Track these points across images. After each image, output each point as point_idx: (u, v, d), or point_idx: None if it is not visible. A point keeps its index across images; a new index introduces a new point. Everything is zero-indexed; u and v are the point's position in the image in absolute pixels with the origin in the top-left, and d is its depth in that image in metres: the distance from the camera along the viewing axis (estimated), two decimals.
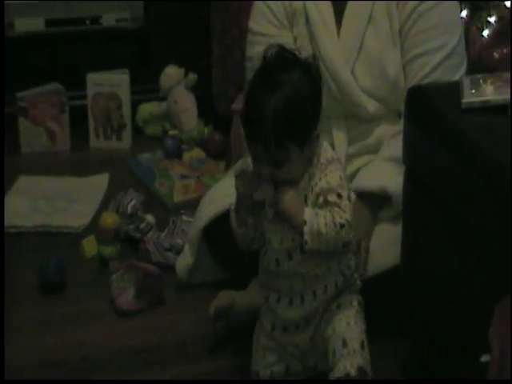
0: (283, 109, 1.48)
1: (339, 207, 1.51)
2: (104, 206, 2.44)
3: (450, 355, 1.55)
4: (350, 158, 2.00)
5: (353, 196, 1.57)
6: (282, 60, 1.52)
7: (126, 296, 2.03)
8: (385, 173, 1.91)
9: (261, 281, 1.68)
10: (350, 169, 1.99)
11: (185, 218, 2.30)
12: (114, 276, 2.07)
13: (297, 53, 1.56)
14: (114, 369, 1.84)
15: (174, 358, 1.87)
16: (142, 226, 2.28)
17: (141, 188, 2.52)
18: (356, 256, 1.83)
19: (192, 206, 2.28)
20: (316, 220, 1.51)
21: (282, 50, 1.54)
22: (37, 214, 2.42)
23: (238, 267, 1.94)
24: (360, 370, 1.56)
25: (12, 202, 2.47)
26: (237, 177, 1.59)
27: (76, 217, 2.40)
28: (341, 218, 1.50)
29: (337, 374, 1.56)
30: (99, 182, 2.59)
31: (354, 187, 1.91)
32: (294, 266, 1.58)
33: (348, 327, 1.60)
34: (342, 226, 1.50)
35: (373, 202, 1.91)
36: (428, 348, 1.68)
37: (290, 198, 1.53)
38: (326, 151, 1.56)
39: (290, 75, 1.50)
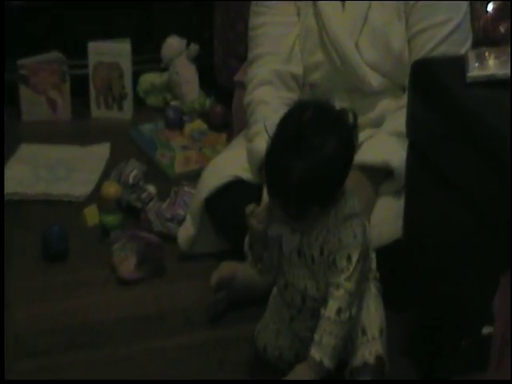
0: (309, 178, 1.42)
1: (343, 273, 1.50)
2: (105, 175, 2.43)
3: (451, 327, 1.56)
4: None
5: (370, 254, 1.56)
6: (318, 124, 1.44)
7: (128, 265, 2.04)
8: (388, 147, 1.92)
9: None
10: None
11: (186, 188, 2.30)
12: (116, 245, 2.08)
13: (336, 112, 1.47)
14: (116, 336, 1.86)
15: (176, 327, 1.88)
16: (144, 196, 2.28)
17: (142, 158, 2.51)
18: None
19: (193, 177, 2.28)
20: (330, 351, 1.51)
21: (320, 111, 1.46)
22: (39, 182, 2.41)
23: (240, 238, 1.95)
24: (378, 358, 1.56)
25: (14, 169, 2.47)
26: (249, 216, 1.55)
27: (77, 186, 2.40)
28: (344, 295, 1.50)
29: (355, 362, 1.56)
30: (100, 152, 2.59)
31: (356, 161, 1.91)
32: (319, 305, 1.57)
33: (367, 314, 1.59)
34: (349, 307, 1.50)
35: (375, 175, 1.92)
36: (430, 319, 1.69)
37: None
38: (345, 206, 1.51)
39: (324, 142, 1.42)
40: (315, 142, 1.42)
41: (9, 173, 2.43)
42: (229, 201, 2.00)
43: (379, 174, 1.91)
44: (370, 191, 1.92)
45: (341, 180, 1.49)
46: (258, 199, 1.92)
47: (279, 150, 1.44)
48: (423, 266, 1.66)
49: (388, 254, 1.82)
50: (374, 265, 1.66)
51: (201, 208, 2.05)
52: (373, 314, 1.60)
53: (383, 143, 1.94)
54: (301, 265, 1.57)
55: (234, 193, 1.99)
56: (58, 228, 2.10)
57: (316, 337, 1.52)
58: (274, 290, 1.70)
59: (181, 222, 2.16)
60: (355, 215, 1.52)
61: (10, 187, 2.35)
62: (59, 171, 2.47)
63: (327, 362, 1.51)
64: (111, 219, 2.17)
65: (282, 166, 1.43)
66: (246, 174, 2.01)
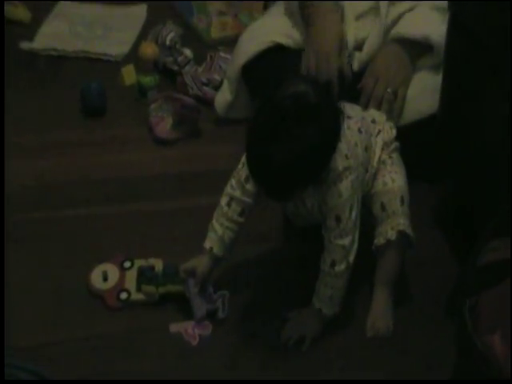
0: (290, 168, 1.35)
1: (334, 231, 1.48)
2: (142, 36, 2.44)
3: (482, 200, 1.59)
4: None
5: (357, 212, 1.48)
6: (298, 110, 1.34)
7: (164, 125, 2.08)
8: (429, 21, 1.90)
9: None
10: (393, 13, 1.95)
11: (222, 54, 2.32)
12: (153, 105, 2.11)
13: (316, 100, 1.36)
14: (150, 192, 1.92)
15: (210, 187, 1.89)
16: (180, 59, 2.29)
17: (179, 22, 2.50)
18: (392, 103, 1.87)
19: (229, 43, 2.29)
20: (327, 301, 1.53)
21: (300, 99, 1.35)
22: (77, 39, 2.43)
23: None
24: (400, 233, 1.55)
25: (52, 25, 2.48)
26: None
27: (115, 45, 2.41)
28: (336, 248, 1.48)
29: (378, 240, 1.56)
30: (138, 12, 2.58)
31: (396, 33, 1.91)
32: None
33: (384, 189, 1.58)
34: (346, 261, 1.49)
35: (414, 49, 1.91)
36: (461, 193, 1.72)
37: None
38: (329, 173, 1.45)
39: (304, 129, 1.34)
40: (295, 129, 1.34)
41: (47, 29, 2.45)
42: (266, 67, 2.01)
43: (418, 48, 1.91)
44: (407, 65, 1.92)
45: (323, 165, 1.43)
46: (295, 65, 1.93)
47: (258, 139, 1.37)
48: (458, 140, 1.68)
49: (423, 127, 1.86)
50: (388, 136, 1.64)
51: (238, 73, 2.06)
52: (390, 187, 1.59)
53: (424, 17, 1.91)
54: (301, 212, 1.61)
55: (272, 59, 2.00)
56: (97, 84, 2.13)
57: (316, 285, 1.54)
58: None
59: (216, 86, 2.19)
60: (343, 170, 1.46)
61: (48, 42, 2.38)
62: (96, 29, 2.48)
63: (326, 311, 1.55)
64: (148, 80, 2.19)
65: (262, 157, 1.36)
66: (285, 39, 2.01)
